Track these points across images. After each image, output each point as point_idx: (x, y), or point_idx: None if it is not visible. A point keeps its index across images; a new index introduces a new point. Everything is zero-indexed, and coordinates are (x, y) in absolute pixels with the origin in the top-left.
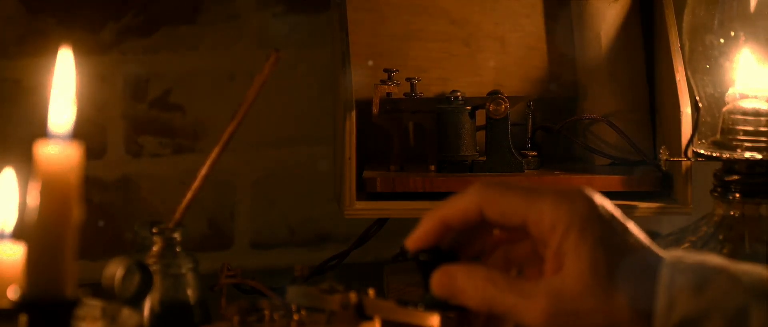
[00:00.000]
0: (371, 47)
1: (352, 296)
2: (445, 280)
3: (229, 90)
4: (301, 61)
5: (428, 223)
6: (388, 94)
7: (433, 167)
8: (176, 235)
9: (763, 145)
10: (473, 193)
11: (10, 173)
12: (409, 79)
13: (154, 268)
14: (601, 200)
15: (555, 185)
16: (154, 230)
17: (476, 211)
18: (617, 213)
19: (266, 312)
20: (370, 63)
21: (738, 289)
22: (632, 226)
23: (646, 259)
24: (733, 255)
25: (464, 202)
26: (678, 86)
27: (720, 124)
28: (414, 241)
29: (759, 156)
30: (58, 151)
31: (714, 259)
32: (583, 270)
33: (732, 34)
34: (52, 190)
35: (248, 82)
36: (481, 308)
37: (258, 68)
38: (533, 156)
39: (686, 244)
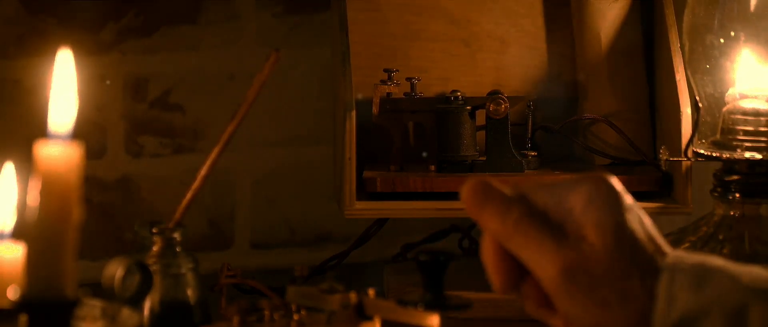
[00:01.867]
0: (371, 47)
1: (352, 296)
2: (477, 189)
3: (229, 90)
4: (301, 61)
5: (496, 263)
6: (388, 94)
7: (433, 167)
8: (176, 235)
9: (763, 145)
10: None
11: (10, 169)
12: (409, 79)
13: (154, 268)
14: (619, 185)
15: (573, 174)
16: (154, 230)
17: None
18: (631, 199)
19: (266, 312)
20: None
21: (738, 288)
22: (643, 214)
23: (656, 252)
24: (733, 255)
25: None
26: (678, 86)
27: (720, 124)
28: (498, 286)
29: (759, 156)
30: (58, 151)
31: (714, 259)
32: (608, 239)
33: (732, 34)
34: (52, 190)
35: (248, 82)
36: (503, 242)
37: (258, 68)
38: (533, 156)
39: (686, 244)
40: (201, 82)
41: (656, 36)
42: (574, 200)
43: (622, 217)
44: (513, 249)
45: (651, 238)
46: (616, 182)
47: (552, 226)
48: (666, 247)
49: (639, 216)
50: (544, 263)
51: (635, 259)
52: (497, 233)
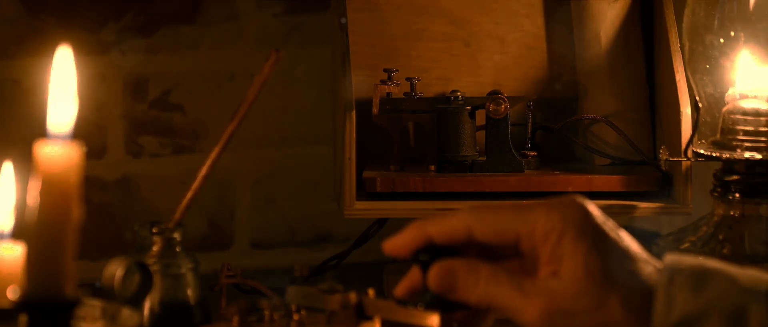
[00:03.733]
0: (371, 47)
1: (352, 296)
2: (444, 274)
3: (229, 90)
4: (301, 61)
5: (412, 233)
6: (388, 94)
7: (433, 167)
8: (176, 235)
9: (763, 145)
10: (464, 213)
11: (8, 168)
12: (409, 79)
13: (154, 268)
14: (592, 207)
15: (544, 200)
16: (154, 230)
17: (464, 231)
18: (609, 220)
19: (266, 312)
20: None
21: (737, 289)
22: (623, 233)
23: (639, 264)
24: (733, 255)
25: (454, 221)
26: (678, 86)
27: (720, 124)
28: (393, 246)
29: (759, 156)
30: (58, 151)
31: (712, 262)
32: (578, 272)
33: (732, 34)
34: (52, 190)
35: (248, 82)
36: (479, 304)
37: (258, 68)
38: (533, 156)
39: (686, 244)
40: (201, 82)
41: (656, 36)
42: (547, 227)
43: (598, 242)
44: (495, 305)
45: (633, 254)
46: (590, 206)
47: (520, 270)
48: (653, 259)
49: (617, 235)
50: (522, 311)
51: (613, 281)
52: (479, 300)
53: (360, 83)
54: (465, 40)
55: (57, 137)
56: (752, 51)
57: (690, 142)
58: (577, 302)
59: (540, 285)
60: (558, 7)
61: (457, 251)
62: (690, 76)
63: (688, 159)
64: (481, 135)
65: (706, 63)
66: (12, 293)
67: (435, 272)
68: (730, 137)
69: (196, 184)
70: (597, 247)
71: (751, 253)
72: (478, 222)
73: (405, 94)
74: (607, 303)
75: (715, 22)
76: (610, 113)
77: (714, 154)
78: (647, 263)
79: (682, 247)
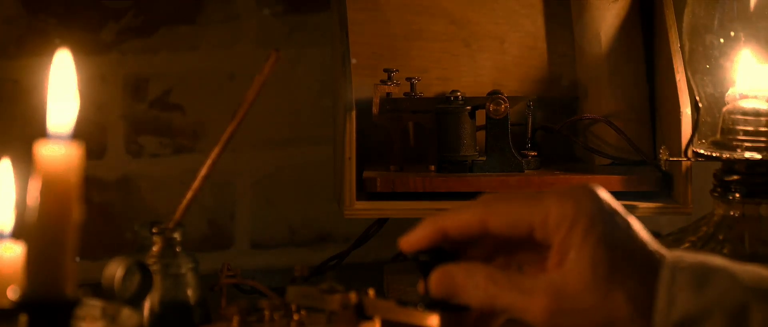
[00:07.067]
0: (371, 47)
1: (352, 296)
2: (443, 279)
3: (229, 90)
4: (301, 61)
5: (427, 228)
6: (388, 94)
7: (433, 167)
8: (176, 235)
9: (763, 145)
10: (477, 206)
11: (6, 165)
12: (409, 79)
13: (154, 268)
14: (605, 196)
15: (557, 188)
16: (154, 230)
17: (479, 224)
18: (620, 209)
19: (266, 312)
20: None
21: (738, 288)
22: (634, 222)
23: (647, 256)
24: (733, 255)
25: (468, 215)
26: (678, 86)
27: (720, 124)
28: (409, 243)
29: (759, 156)
30: (58, 151)
31: (714, 259)
32: (583, 268)
33: (732, 34)
34: (52, 190)
35: (248, 82)
36: (482, 306)
37: (258, 68)
38: (533, 156)
39: (686, 244)
40: (201, 82)
41: (656, 36)
42: (559, 216)
43: (607, 233)
44: (497, 307)
45: (642, 244)
46: (603, 193)
47: (538, 261)
48: (662, 248)
49: (627, 224)
50: (525, 310)
51: (619, 276)
52: (480, 303)
53: (360, 83)
54: (465, 40)
55: (57, 137)
56: (752, 51)
57: (690, 142)
58: (580, 298)
59: (542, 282)
60: (558, 7)
61: (464, 249)
62: (690, 76)
63: (688, 159)
64: (481, 135)
65: (706, 63)
66: (12, 293)
67: (435, 279)
68: (730, 137)
69: (196, 184)
70: (606, 240)
71: (751, 253)
72: (492, 214)
73: (405, 94)
74: (612, 298)
75: (715, 22)
76: (610, 113)
77: (714, 154)
78: (657, 253)
79: (682, 247)
